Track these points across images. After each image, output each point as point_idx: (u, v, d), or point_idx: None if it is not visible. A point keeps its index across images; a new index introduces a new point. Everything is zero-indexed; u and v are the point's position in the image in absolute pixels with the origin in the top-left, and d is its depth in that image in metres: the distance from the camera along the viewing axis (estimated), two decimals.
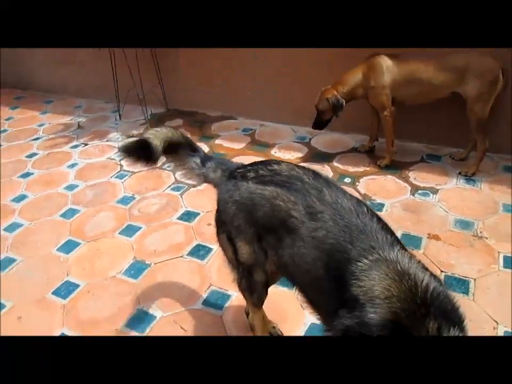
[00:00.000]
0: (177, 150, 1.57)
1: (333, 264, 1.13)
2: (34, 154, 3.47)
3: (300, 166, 1.40)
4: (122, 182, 2.95)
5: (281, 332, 1.77)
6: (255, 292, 1.55)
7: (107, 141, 3.59)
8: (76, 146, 3.53)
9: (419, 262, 1.10)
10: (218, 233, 1.54)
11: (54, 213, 2.67)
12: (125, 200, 2.74)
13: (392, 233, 1.18)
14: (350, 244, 1.11)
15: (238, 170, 1.46)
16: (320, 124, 2.89)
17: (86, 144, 3.56)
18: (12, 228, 2.57)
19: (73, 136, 3.72)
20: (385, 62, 2.61)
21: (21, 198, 2.87)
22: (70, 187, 2.95)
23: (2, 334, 1.87)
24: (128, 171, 3.08)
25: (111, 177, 3.03)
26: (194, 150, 1.60)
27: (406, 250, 1.14)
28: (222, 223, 1.49)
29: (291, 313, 1.85)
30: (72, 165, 3.24)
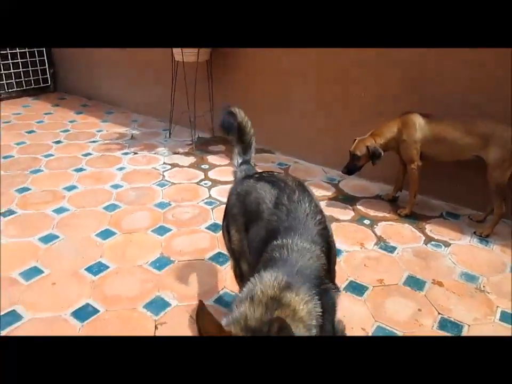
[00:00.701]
0: (240, 138, 1.87)
1: (266, 239, 1.39)
2: (89, 154, 3.86)
3: (294, 177, 1.66)
4: (162, 190, 3.24)
5: None
6: (244, 281, 1.75)
7: (155, 153, 3.94)
8: (126, 154, 3.90)
9: (321, 264, 1.32)
10: (222, 225, 1.79)
11: (98, 204, 2.98)
12: (161, 205, 3.02)
13: (326, 240, 1.41)
14: (284, 228, 1.37)
15: (251, 174, 1.75)
16: (352, 169, 3.06)
17: (135, 153, 3.92)
18: (59, 210, 2.89)
19: (125, 145, 4.11)
20: (418, 120, 2.83)
21: (72, 187, 3.21)
22: (116, 186, 3.27)
23: (37, 294, 2.12)
24: (169, 181, 3.38)
25: (153, 183, 3.34)
26: (245, 151, 1.90)
27: (325, 254, 1.36)
28: (226, 214, 1.75)
29: None
30: (121, 168, 3.59)
